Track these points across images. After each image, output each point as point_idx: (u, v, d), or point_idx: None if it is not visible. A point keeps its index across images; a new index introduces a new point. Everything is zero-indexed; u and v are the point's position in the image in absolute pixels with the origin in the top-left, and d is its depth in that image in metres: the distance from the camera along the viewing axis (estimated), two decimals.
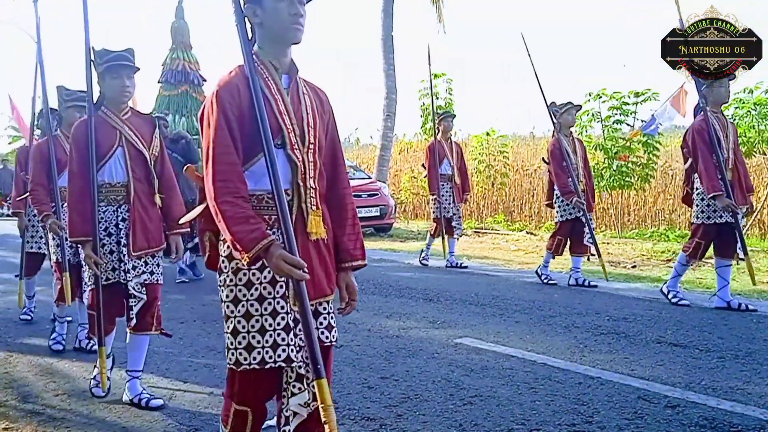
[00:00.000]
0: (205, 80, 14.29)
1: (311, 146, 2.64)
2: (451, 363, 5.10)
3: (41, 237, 6.53)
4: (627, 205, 15.75)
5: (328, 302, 2.74)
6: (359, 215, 10.71)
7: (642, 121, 14.05)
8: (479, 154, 17.69)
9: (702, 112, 6.86)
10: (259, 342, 2.53)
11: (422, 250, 10.99)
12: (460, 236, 10.91)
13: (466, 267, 10.43)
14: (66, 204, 5.25)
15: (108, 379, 4.44)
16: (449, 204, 10.27)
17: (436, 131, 10.73)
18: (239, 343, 2.55)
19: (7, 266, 11.44)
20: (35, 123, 6.74)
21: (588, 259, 8.96)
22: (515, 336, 5.92)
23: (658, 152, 14.19)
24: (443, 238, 10.33)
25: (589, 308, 7.02)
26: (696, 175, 6.82)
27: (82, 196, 4.12)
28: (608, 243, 12.94)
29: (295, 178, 2.59)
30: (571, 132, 8.64)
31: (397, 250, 13.21)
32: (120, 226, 4.23)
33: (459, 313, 6.99)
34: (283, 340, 2.53)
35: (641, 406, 4.12)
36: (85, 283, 4.38)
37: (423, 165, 11.09)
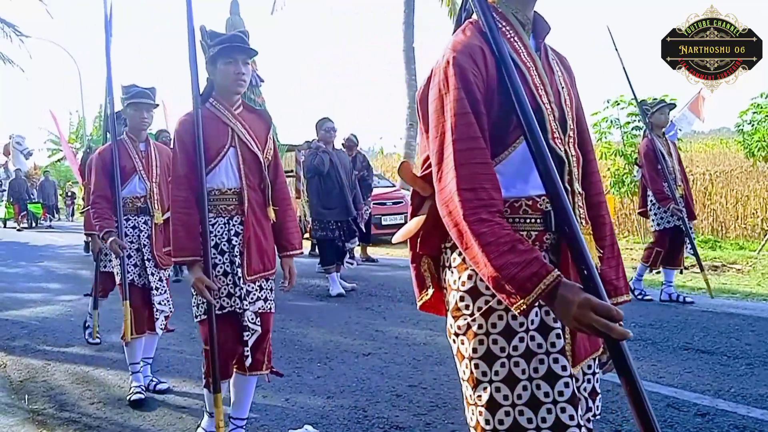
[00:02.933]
0: (262, 80, 13.25)
1: (572, 134, 1.93)
2: None
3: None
4: None
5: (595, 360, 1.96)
6: (384, 223, 10.77)
7: None
8: None
9: None
10: (531, 420, 1.73)
11: None
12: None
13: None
14: (123, 215, 4.84)
15: None
16: None
17: None
18: (499, 422, 1.76)
19: (48, 276, 11.65)
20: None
21: (681, 272, 8.39)
22: None
23: None
24: None
25: None
26: None
27: (188, 206, 3.37)
28: (631, 249, 12.88)
29: (561, 181, 1.76)
30: (663, 132, 7.85)
31: None
32: (233, 242, 3.45)
33: None
34: (572, 418, 1.73)
35: (670, 414, 4.13)
36: (195, 315, 3.51)
37: None
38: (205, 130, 3.36)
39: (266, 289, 3.58)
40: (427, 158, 1.91)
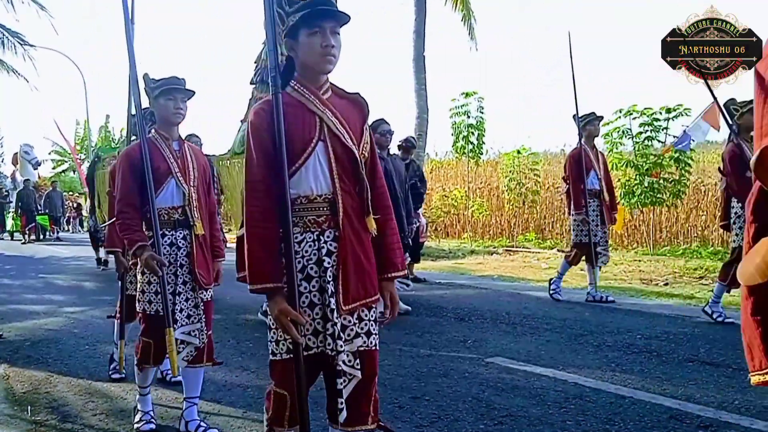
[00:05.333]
0: None
1: None
2: (482, 383, 5.12)
3: None
4: (659, 222, 15.62)
5: None
6: None
7: (674, 137, 13.98)
8: (510, 171, 17.71)
9: None
10: None
11: (552, 280, 9.09)
12: (605, 264, 8.89)
13: (613, 302, 8.57)
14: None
15: None
16: (596, 225, 8.46)
17: (580, 136, 8.67)
18: None
19: (51, 288, 11.69)
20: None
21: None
22: (546, 355, 5.93)
23: (690, 168, 14.08)
24: (591, 266, 8.55)
25: (621, 326, 7.00)
26: None
27: (267, 219, 2.64)
28: (640, 260, 12.87)
29: None
30: (751, 137, 6.73)
31: (429, 268, 13.19)
32: (325, 264, 2.66)
33: (490, 332, 7.00)
34: None
35: (673, 426, 4.10)
36: (272, 353, 2.77)
37: (564, 178, 8.99)
38: (287, 120, 2.61)
39: (367, 320, 2.77)
40: None
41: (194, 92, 4.19)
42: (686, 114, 13.92)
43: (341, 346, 2.62)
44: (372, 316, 2.78)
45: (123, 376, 5.41)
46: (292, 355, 2.65)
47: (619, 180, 14.24)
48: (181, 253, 4.07)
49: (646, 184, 13.99)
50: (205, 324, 4.11)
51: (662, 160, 13.98)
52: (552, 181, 18.64)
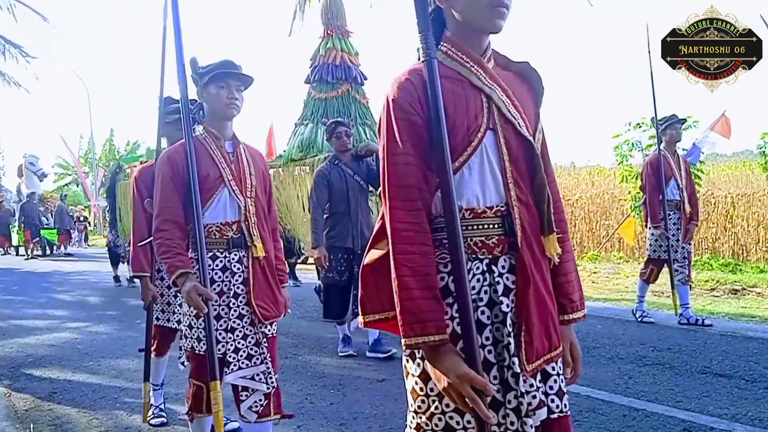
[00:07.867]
0: (366, 78, 10.13)
1: None
2: None
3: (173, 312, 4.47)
4: None
5: None
6: None
7: (683, 149, 13.88)
8: None
9: None
10: None
11: (635, 307, 8.14)
12: (684, 283, 7.67)
13: (710, 325, 7.50)
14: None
15: None
16: (676, 240, 7.63)
17: (659, 141, 7.83)
18: None
19: (54, 303, 11.66)
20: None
21: None
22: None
23: (700, 180, 13.97)
24: (671, 286, 7.64)
25: (633, 339, 6.90)
26: None
27: (421, 240, 1.81)
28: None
29: None
30: None
31: None
32: (503, 307, 1.83)
33: None
34: None
35: None
36: (418, 427, 1.90)
37: (641, 188, 8.12)
38: (443, 99, 1.78)
39: (556, 374, 1.96)
40: None
41: (252, 79, 3.33)
42: (695, 126, 13.83)
43: (531, 427, 1.79)
44: (559, 368, 1.98)
45: (165, 421, 4.61)
46: None
47: (629, 192, 14.15)
48: (236, 280, 3.25)
49: None
50: (271, 365, 3.27)
51: None
52: (563, 194, 18.53)
